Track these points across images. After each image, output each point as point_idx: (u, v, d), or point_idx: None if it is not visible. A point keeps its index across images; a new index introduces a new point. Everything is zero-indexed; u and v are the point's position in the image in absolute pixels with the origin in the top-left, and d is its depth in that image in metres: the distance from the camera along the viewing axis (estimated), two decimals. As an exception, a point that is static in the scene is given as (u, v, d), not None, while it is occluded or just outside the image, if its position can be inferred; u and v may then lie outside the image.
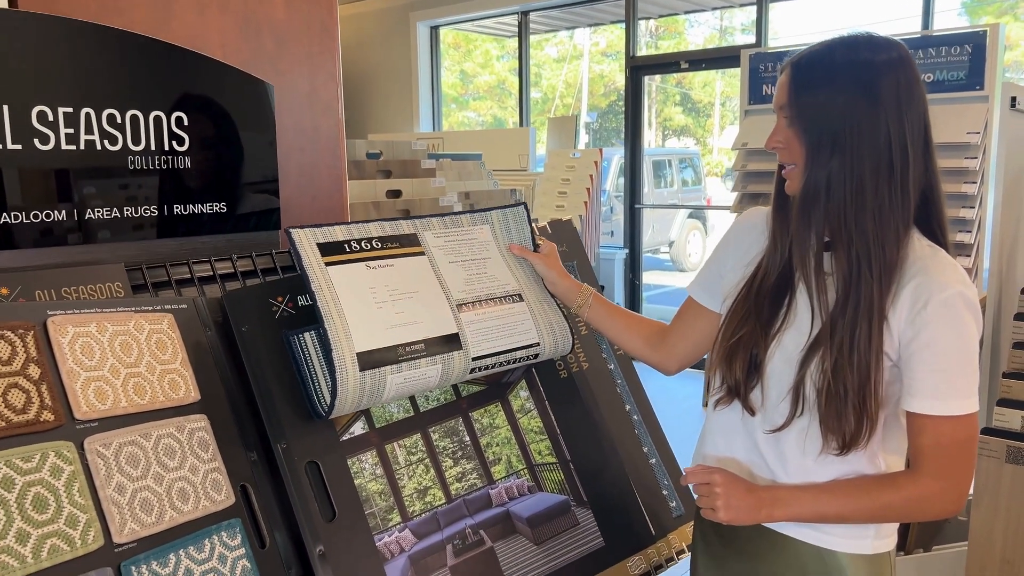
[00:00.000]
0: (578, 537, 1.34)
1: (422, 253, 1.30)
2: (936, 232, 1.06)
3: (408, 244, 1.29)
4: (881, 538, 1.08)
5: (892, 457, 1.08)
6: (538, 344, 1.32)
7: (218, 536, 1.03)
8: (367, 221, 1.28)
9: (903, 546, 2.07)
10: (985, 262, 3.37)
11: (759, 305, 1.07)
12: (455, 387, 1.34)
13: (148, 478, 0.98)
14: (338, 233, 1.23)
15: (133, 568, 0.92)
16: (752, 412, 1.09)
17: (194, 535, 1.00)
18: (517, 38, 6.35)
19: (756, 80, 4.32)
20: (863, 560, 1.07)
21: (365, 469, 1.22)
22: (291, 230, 1.17)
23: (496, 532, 1.28)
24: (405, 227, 1.31)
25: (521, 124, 6.32)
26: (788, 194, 1.06)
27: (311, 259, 1.18)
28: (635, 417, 1.51)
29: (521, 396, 1.39)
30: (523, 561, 1.28)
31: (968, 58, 3.68)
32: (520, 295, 1.35)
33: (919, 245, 1.03)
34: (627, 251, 5.74)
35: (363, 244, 1.25)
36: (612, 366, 1.53)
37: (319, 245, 1.20)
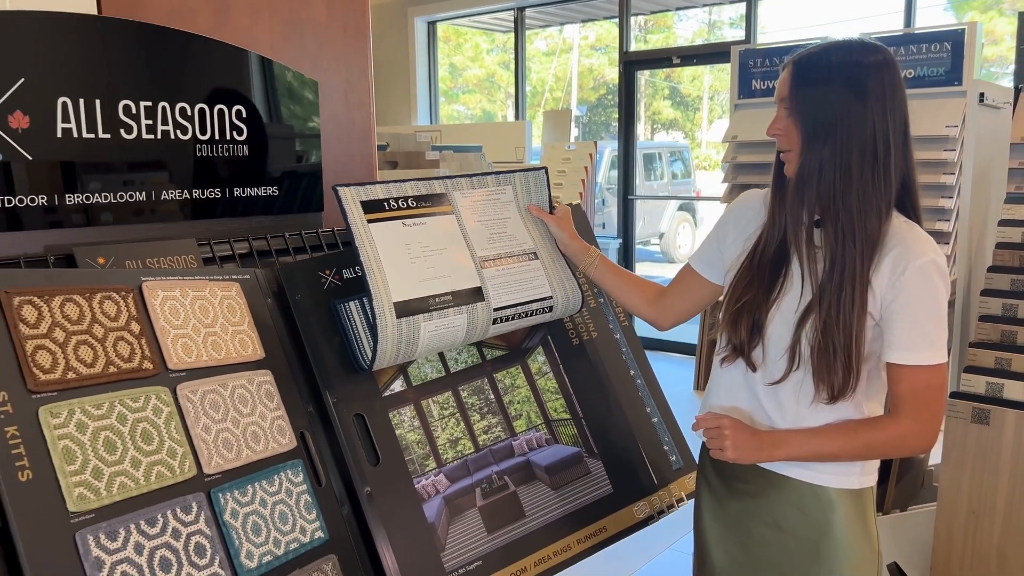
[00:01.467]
0: (590, 484, 1.51)
1: (451, 212, 1.46)
2: (911, 213, 1.22)
3: (439, 203, 1.45)
4: (865, 475, 1.25)
5: (873, 404, 1.25)
6: (551, 298, 1.49)
7: (284, 474, 1.19)
8: (403, 180, 1.43)
9: (881, 506, 2.26)
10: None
11: (760, 274, 1.23)
12: (480, 350, 1.50)
13: (227, 421, 1.14)
14: (378, 191, 1.38)
15: (220, 495, 1.08)
16: (754, 368, 1.25)
17: (265, 471, 1.17)
18: (513, 33, 6.50)
19: (745, 75, 4.49)
20: (849, 494, 1.24)
21: (404, 421, 1.38)
22: (338, 187, 1.31)
23: (518, 478, 1.45)
24: (437, 187, 1.46)
25: (517, 117, 6.48)
26: (786, 176, 1.22)
27: (355, 216, 1.32)
28: (639, 381, 1.68)
29: (539, 360, 1.56)
30: (542, 503, 1.45)
31: (948, 55, 3.86)
32: (535, 253, 1.51)
33: (898, 222, 1.19)
34: (620, 241, 5.91)
35: (400, 203, 1.40)
36: (618, 336, 1.70)
37: (362, 203, 1.34)
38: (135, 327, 1.09)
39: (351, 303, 1.36)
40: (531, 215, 1.55)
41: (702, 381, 4.93)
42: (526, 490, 1.45)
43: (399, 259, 1.34)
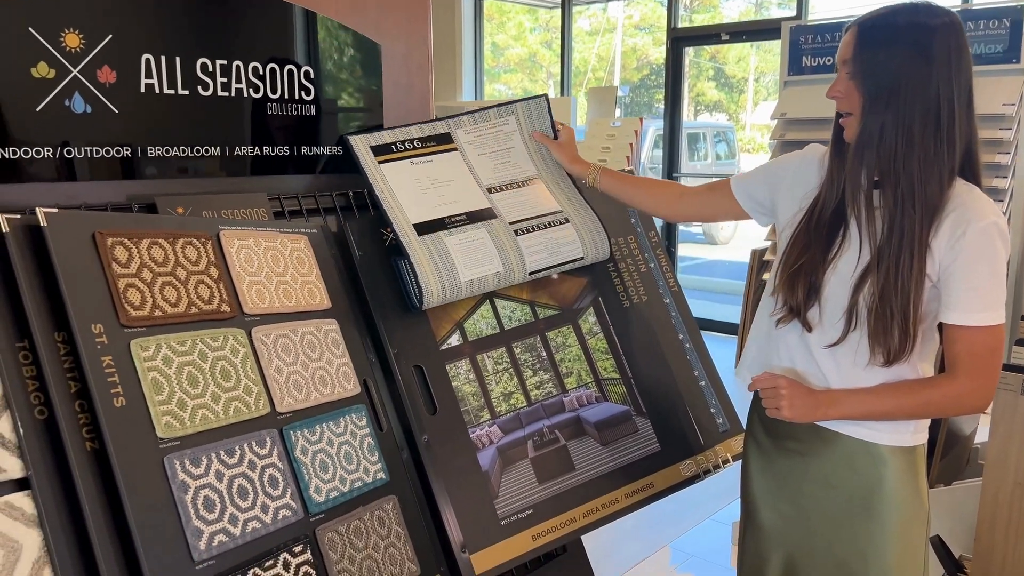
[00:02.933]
0: (638, 441, 1.55)
1: (455, 149, 1.54)
2: (972, 179, 1.22)
3: (443, 142, 1.54)
4: (918, 432, 1.26)
5: (926, 365, 1.25)
6: (561, 211, 1.56)
7: (349, 417, 1.25)
8: (407, 125, 1.53)
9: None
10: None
11: (818, 236, 1.24)
12: (533, 309, 1.55)
13: (297, 364, 1.20)
14: (386, 136, 1.49)
15: (291, 432, 1.15)
16: (809, 329, 1.25)
17: (332, 413, 1.23)
18: (560, 9, 6.48)
19: (796, 52, 4.44)
20: (901, 451, 1.25)
21: (460, 374, 1.43)
22: (347, 136, 1.44)
23: (568, 433, 1.49)
24: (440, 127, 1.55)
25: (561, 94, 6.48)
26: (845, 140, 1.23)
27: (367, 160, 1.43)
28: (687, 345, 1.71)
29: (589, 320, 1.60)
30: (591, 458, 1.49)
31: (1006, 32, 3.77)
32: (539, 177, 1.60)
33: (959, 186, 1.18)
34: (662, 221, 5.89)
35: (406, 144, 1.50)
36: (668, 300, 1.73)
37: (372, 147, 1.46)
38: (214, 272, 1.15)
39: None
40: (536, 142, 1.62)
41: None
42: (576, 444, 1.49)
43: (411, 191, 1.46)
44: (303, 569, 1.08)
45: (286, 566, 1.06)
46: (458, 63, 6.66)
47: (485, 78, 7.12)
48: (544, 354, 1.53)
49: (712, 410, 1.68)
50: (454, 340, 1.45)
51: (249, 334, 1.16)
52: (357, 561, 1.16)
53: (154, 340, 1.05)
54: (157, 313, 1.06)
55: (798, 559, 1.32)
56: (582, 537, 1.55)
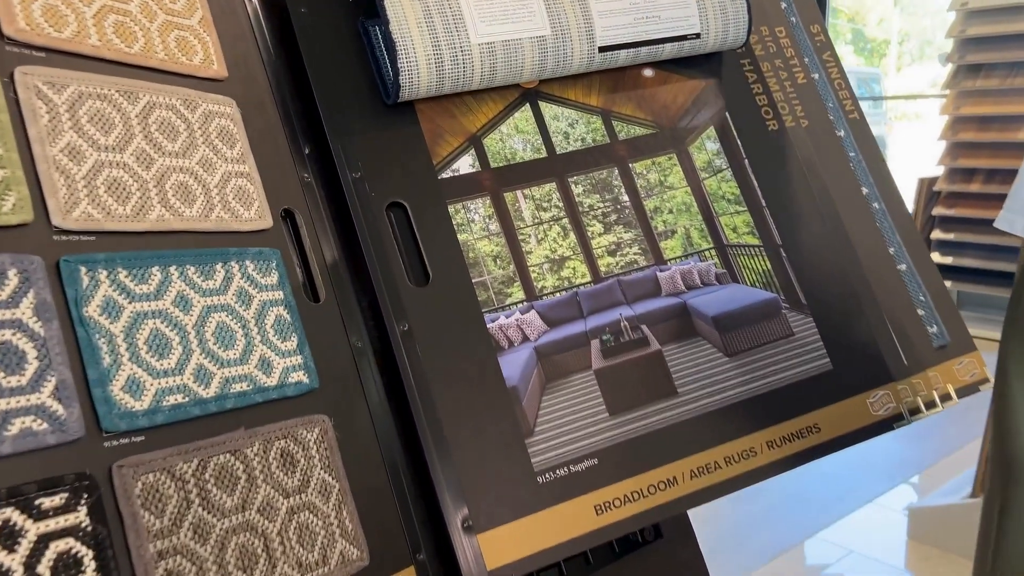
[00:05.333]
0: (792, 352, 0.88)
1: None
2: None
3: None
4: None
5: None
6: None
7: (238, 264, 0.66)
8: None
9: None
10: None
11: None
12: (608, 124, 0.90)
13: (126, 153, 0.62)
14: None
15: (83, 268, 0.57)
16: None
17: (196, 252, 0.64)
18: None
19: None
20: None
21: (474, 221, 0.82)
22: None
23: (667, 331, 0.85)
24: None
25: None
26: None
27: None
28: (875, 205, 1.02)
29: (708, 148, 0.94)
30: (706, 375, 0.84)
31: None
32: None
33: None
34: None
35: None
36: (842, 132, 1.04)
37: None
38: (-67, -55, 0.59)
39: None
40: None
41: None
42: (679, 351, 0.84)
43: None
44: (59, 546, 0.50)
45: (11, 540, 0.48)
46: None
47: None
48: (625, 198, 0.89)
49: (920, 312, 0.98)
50: (464, 165, 0.83)
51: (10, 76, 0.58)
52: (216, 536, 0.57)
53: None
54: None
55: None
56: (689, 514, 0.92)
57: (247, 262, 0.67)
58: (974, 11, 3.53)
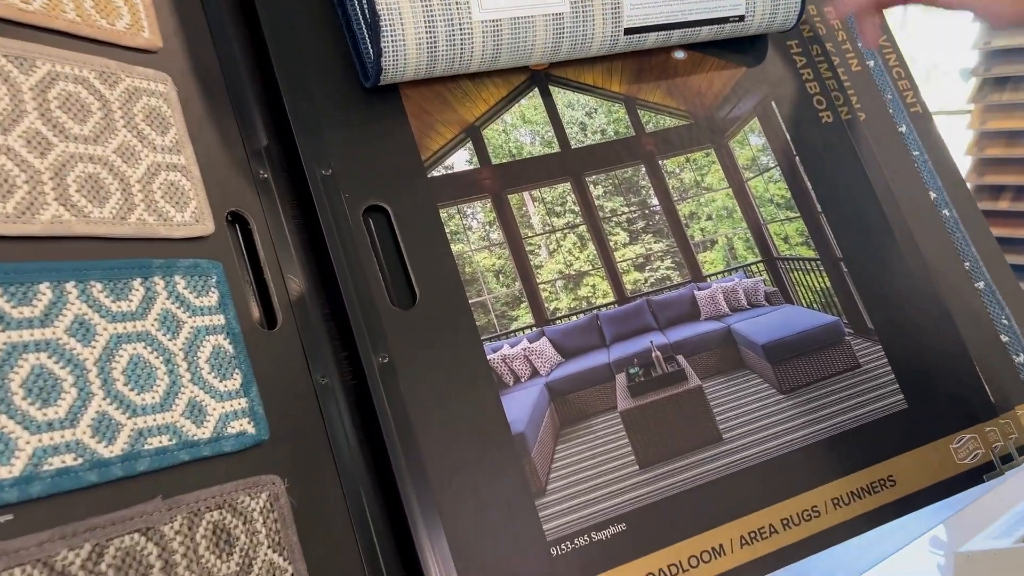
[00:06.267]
0: (859, 388, 0.72)
1: None
2: None
3: None
4: None
5: None
6: None
7: (164, 280, 0.51)
8: None
9: None
10: None
11: None
12: (634, 115, 0.76)
13: (11, 135, 0.48)
14: None
15: (-66, 285, 0.42)
16: None
17: (106, 264, 0.49)
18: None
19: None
20: None
21: (471, 229, 0.67)
22: None
23: (708, 362, 0.69)
24: None
25: None
26: None
27: None
28: (945, 212, 0.87)
29: (752, 143, 0.79)
30: (757, 417, 0.68)
31: None
32: None
33: None
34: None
35: None
36: (903, 128, 0.89)
37: None
38: None
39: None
40: None
41: None
42: (724, 387, 0.69)
43: None
44: None
45: None
46: None
47: None
48: (655, 202, 0.74)
49: (1004, 337, 0.83)
50: (459, 160, 0.68)
51: None
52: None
53: None
54: None
55: None
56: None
57: (176, 277, 0.52)
58: (997, 51, 3.39)
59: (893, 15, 0.93)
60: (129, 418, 0.46)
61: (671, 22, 0.73)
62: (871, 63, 0.90)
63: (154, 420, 0.47)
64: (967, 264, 0.85)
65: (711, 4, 0.74)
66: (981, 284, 0.84)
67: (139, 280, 0.50)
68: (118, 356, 0.47)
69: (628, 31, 0.71)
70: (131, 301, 0.49)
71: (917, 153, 0.88)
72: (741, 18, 0.76)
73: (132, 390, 0.47)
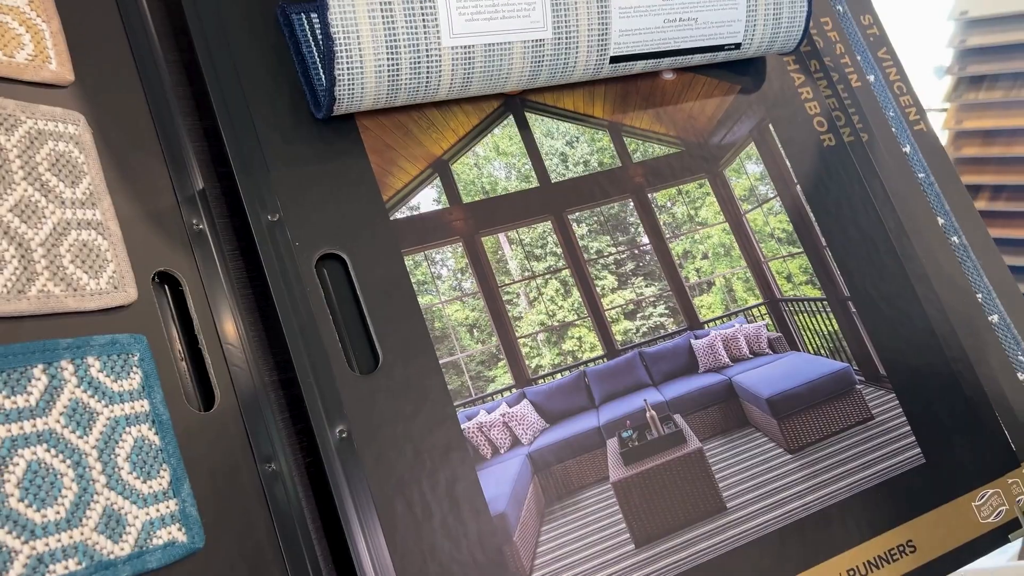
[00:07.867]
0: (873, 443, 0.66)
1: None
2: None
3: None
4: None
5: None
6: None
7: (73, 364, 0.43)
8: None
9: None
10: None
11: None
12: (620, 143, 0.68)
13: None
14: None
15: None
16: None
17: (4, 350, 0.41)
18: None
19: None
20: None
21: (441, 278, 0.59)
22: None
23: (708, 421, 0.62)
24: None
25: None
26: None
27: None
28: (953, 239, 0.80)
29: (749, 172, 0.72)
30: (763, 481, 0.61)
31: None
32: None
33: None
34: None
35: None
36: (907, 148, 0.83)
37: None
38: None
39: (315, 14, 0.58)
40: None
41: None
42: (726, 448, 0.62)
43: None
44: None
45: None
46: None
47: None
48: (645, 240, 0.67)
49: (1022, 376, 0.76)
50: (426, 200, 0.61)
51: None
52: None
53: None
54: None
55: None
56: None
57: (89, 359, 0.44)
58: (974, 20, 3.37)
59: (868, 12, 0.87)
60: (24, 542, 0.38)
61: (660, 51, 0.65)
62: (871, 77, 0.84)
63: (58, 541, 0.39)
64: (979, 296, 0.78)
65: (706, 32, 0.67)
66: (995, 318, 0.78)
67: (40, 367, 0.42)
68: (11, 465, 0.39)
69: (614, 59, 0.64)
70: (29, 396, 0.41)
71: (923, 175, 0.82)
72: (737, 46, 0.69)
73: (29, 506, 0.39)
